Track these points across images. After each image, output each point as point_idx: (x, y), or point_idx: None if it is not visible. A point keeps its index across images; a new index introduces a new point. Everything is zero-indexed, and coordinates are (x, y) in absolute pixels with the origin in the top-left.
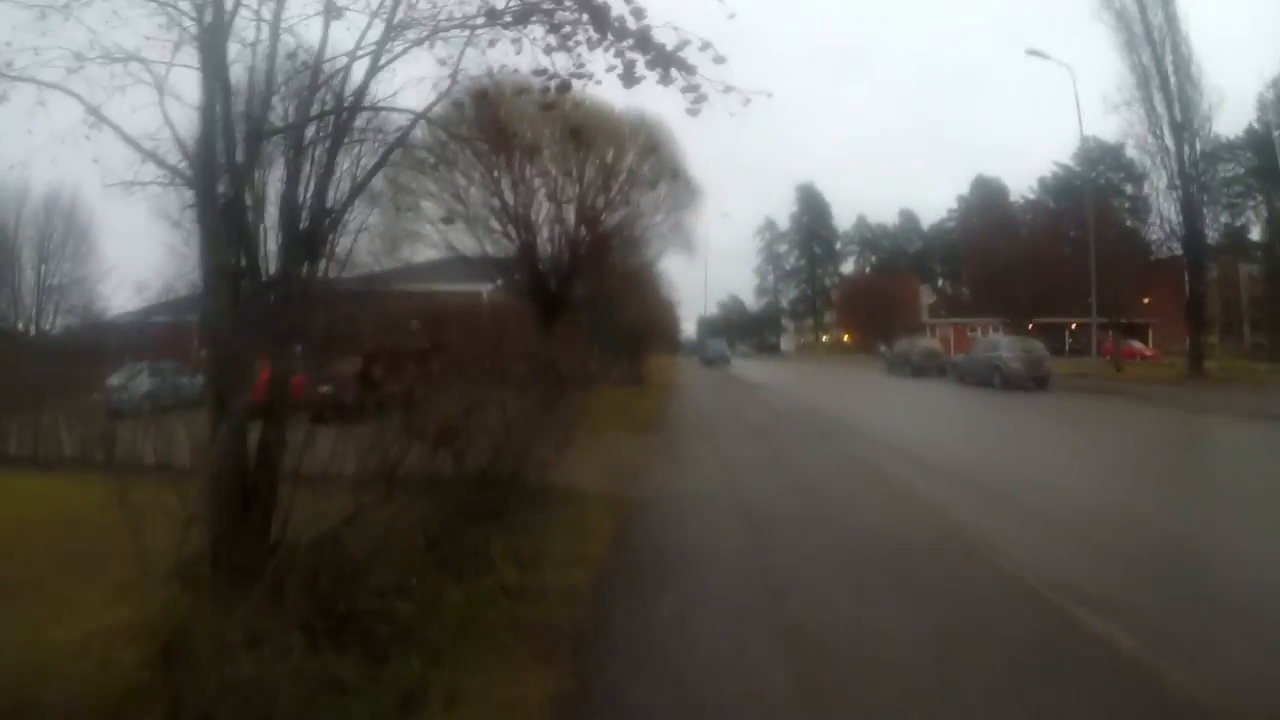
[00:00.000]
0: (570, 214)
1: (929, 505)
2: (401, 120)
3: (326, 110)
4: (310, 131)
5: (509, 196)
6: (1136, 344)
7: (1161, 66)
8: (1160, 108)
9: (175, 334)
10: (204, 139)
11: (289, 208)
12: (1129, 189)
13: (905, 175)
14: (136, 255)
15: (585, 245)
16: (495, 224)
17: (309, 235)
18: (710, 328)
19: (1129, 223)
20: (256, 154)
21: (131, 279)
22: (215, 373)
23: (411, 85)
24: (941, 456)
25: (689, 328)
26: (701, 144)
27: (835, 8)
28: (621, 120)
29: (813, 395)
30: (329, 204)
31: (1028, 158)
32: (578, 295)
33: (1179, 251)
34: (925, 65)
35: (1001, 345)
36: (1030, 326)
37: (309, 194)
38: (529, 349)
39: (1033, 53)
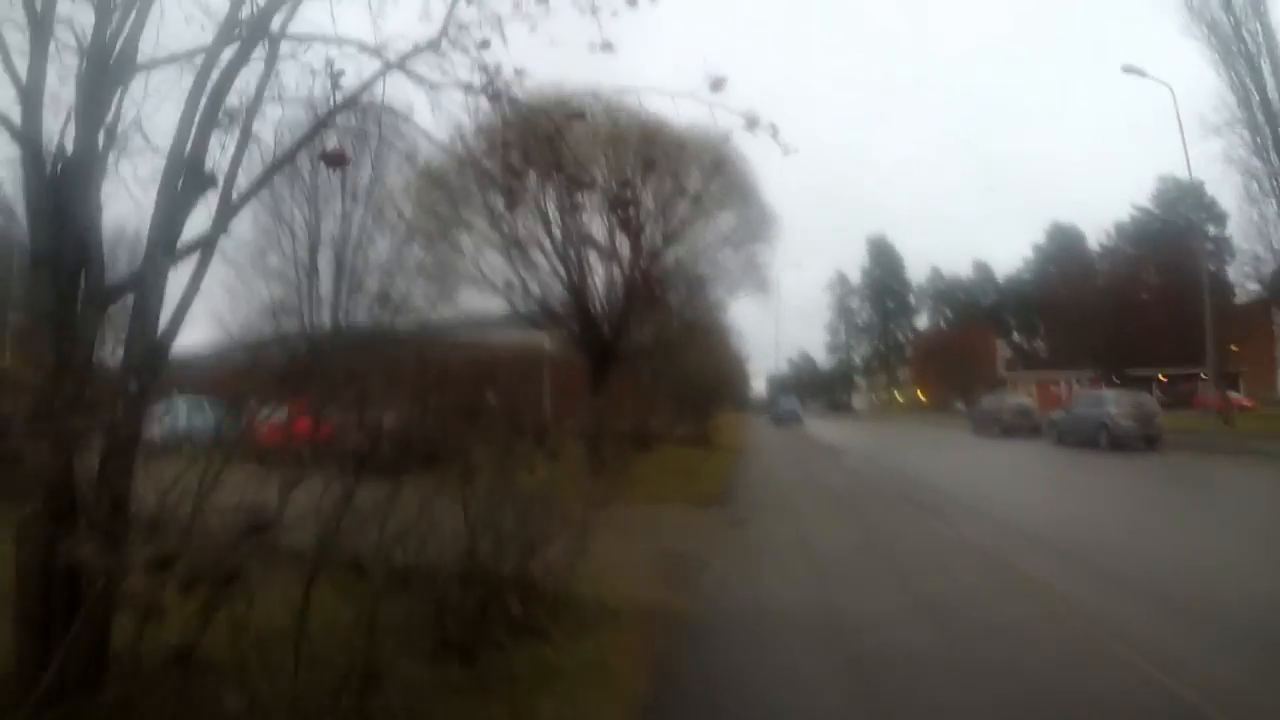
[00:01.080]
0: (625, 247)
1: (1119, 635)
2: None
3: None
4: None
5: (554, 221)
6: (1233, 394)
7: (1259, 80)
8: (1264, 124)
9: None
10: (32, 72)
11: (168, 178)
12: (1211, 229)
13: (977, 226)
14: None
15: (643, 285)
16: (542, 260)
17: (178, 212)
18: (781, 385)
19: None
20: (105, 95)
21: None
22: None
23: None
24: (1091, 547)
25: (758, 385)
26: (769, 192)
27: (898, 60)
28: (683, 135)
29: (901, 460)
30: (225, 174)
31: (1103, 204)
32: (635, 344)
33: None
34: (994, 111)
35: (1108, 400)
36: (1117, 378)
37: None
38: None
39: (1129, 70)
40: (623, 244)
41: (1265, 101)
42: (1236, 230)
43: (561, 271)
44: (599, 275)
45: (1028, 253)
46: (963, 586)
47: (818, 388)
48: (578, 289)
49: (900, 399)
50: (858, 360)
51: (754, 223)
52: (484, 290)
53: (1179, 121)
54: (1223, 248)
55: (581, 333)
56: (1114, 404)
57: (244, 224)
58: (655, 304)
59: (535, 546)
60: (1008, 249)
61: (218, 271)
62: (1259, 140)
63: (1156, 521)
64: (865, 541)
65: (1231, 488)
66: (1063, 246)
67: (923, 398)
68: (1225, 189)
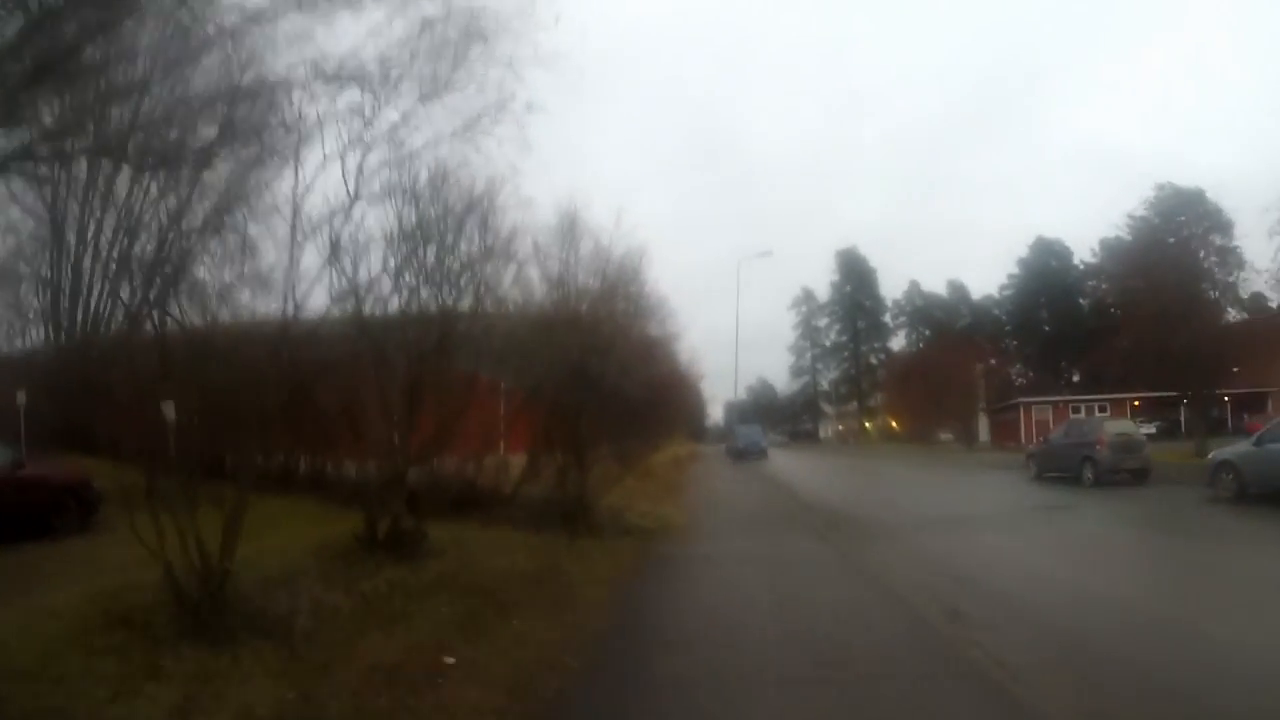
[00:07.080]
0: None
1: None
2: None
3: None
4: None
5: None
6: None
7: None
8: None
9: None
10: None
11: None
12: (1216, 240)
13: (946, 250)
14: None
15: None
16: None
17: None
18: (740, 412)
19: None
20: None
21: None
22: None
23: None
24: None
25: (715, 411)
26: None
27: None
28: None
29: (1016, 563)
30: None
31: (1078, 222)
32: None
33: None
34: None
35: None
36: (1135, 403)
37: None
38: None
39: None
40: None
41: None
42: None
43: None
44: None
45: (1001, 278)
46: None
47: (779, 416)
48: None
49: (871, 427)
50: (825, 385)
51: None
52: None
53: None
54: (1229, 258)
55: None
56: None
57: None
58: None
59: None
60: (976, 274)
61: None
62: None
63: None
64: None
65: None
66: (1047, 261)
67: (896, 426)
68: None
